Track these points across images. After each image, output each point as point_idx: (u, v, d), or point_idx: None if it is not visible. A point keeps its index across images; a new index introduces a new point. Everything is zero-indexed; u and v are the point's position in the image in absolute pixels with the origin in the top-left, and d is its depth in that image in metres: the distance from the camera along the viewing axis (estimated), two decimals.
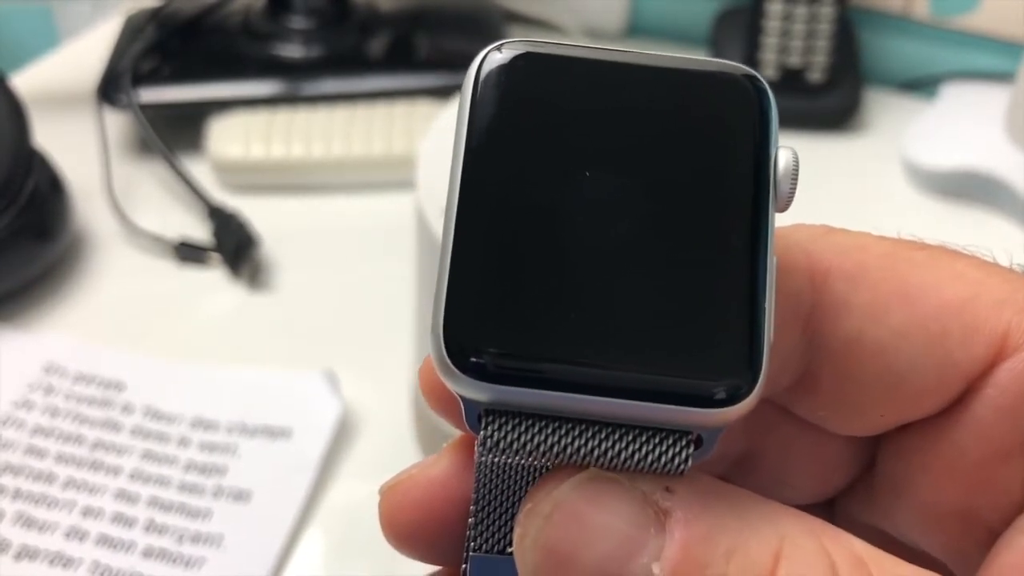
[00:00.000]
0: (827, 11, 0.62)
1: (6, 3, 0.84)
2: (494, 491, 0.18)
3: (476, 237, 0.17)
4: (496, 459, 0.17)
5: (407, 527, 0.20)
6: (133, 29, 0.65)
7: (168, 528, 0.40)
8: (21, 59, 0.71)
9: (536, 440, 0.17)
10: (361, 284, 0.53)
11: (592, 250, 0.17)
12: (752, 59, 0.64)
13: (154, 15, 0.66)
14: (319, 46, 0.64)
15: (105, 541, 0.39)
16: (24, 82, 0.63)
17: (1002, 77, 0.63)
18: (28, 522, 0.40)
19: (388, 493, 0.20)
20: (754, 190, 0.18)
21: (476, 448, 0.17)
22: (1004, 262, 0.20)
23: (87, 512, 0.40)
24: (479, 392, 0.17)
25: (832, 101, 0.65)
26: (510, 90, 0.18)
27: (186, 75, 0.63)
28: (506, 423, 0.17)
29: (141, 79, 0.61)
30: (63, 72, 0.69)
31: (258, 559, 0.39)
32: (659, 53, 0.18)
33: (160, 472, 0.42)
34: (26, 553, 0.39)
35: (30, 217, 0.50)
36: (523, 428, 0.17)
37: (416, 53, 0.65)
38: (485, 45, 0.18)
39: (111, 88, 0.61)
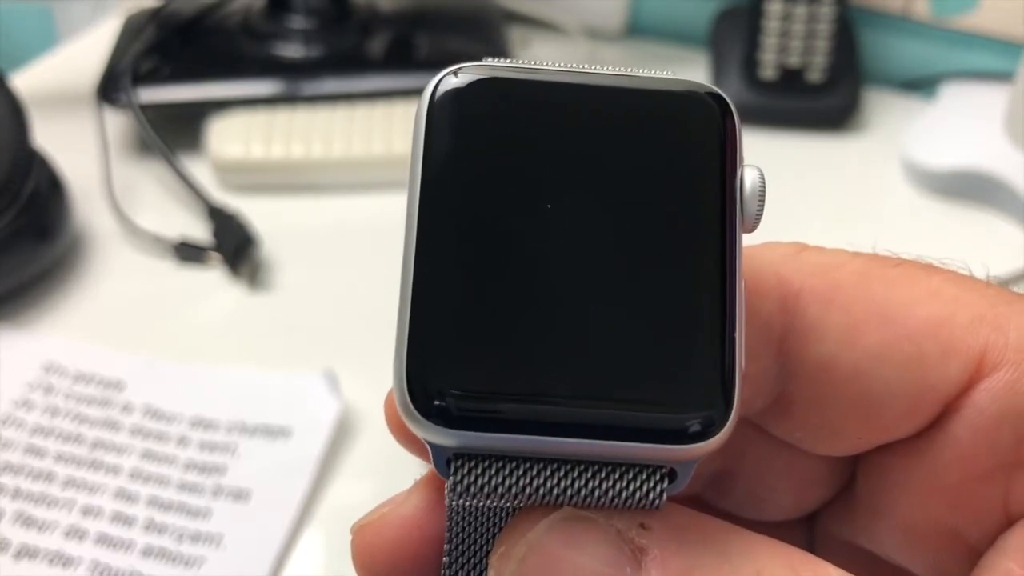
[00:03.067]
0: (827, 11, 0.62)
1: (6, 3, 0.84)
2: (467, 531, 0.18)
3: (436, 274, 0.16)
4: (467, 502, 0.17)
5: (380, 567, 0.19)
6: (133, 29, 0.65)
7: (167, 527, 0.40)
8: (21, 59, 0.71)
9: (507, 482, 0.16)
10: (361, 284, 0.53)
11: (556, 283, 0.16)
12: (752, 59, 0.64)
13: (154, 15, 0.66)
14: (319, 46, 0.64)
15: (104, 540, 0.39)
16: (24, 82, 0.63)
17: (1002, 77, 0.63)
18: (28, 521, 0.40)
19: (359, 533, 0.20)
20: (721, 212, 0.17)
21: (446, 492, 0.17)
22: (980, 275, 0.20)
23: (86, 511, 0.40)
24: (445, 438, 0.16)
25: (832, 101, 0.65)
26: (467, 116, 0.17)
27: (186, 75, 0.63)
28: (476, 467, 0.16)
29: (141, 79, 0.61)
30: (63, 72, 0.70)
31: (257, 559, 0.39)
32: (621, 72, 0.18)
33: (159, 471, 0.42)
34: (26, 552, 0.39)
35: (30, 217, 0.50)
36: (493, 471, 0.16)
37: (416, 53, 0.65)
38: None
39: (111, 88, 0.61)
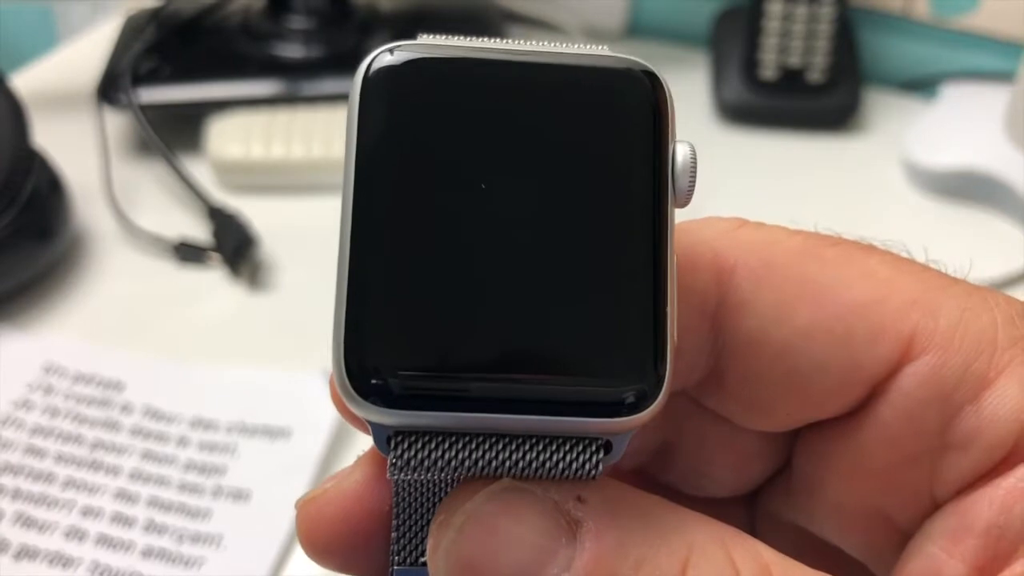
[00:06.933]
0: (827, 11, 0.62)
1: (6, 3, 0.84)
2: (413, 504, 0.18)
3: (372, 254, 0.17)
4: (408, 477, 0.17)
5: (325, 542, 0.20)
6: (133, 29, 0.65)
7: (168, 528, 0.40)
8: (21, 59, 0.71)
9: (447, 456, 0.17)
10: None
11: (491, 261, 0.17)
12: (752, 59, 0.64)
13: (154, 15, 0.66)
14: (319, 46, 0.64)
15: (104, 541, 0.39)
16: (24, 82, 0.63)
17: (1002, 77, 0.63)
18: (28, 522, 0.40)
19: (303, 508, 0.20)
20: (653, 187, 0.17)
21: (388, 468, 0.17)
22: (920, 257, 0.20)
23: (87, 512, 0.40)
24: (383, 417, 0.16)
25: (832, 101, 0.65)
26: (400, 95, 0.17)
27: (186, 75, 0.62)
28: (415, 442, 0.17)
29: (141, 79, 0.61)
30: (63, 72, 0.69)
31: (258, 559, 0.39)
32: (557, 49, 0.18)
33: (159, 472, 0.42)
34: (26, 553, 0.39)
35: (30, 217, 0.50)
36: (433, 445, 0.17)
37: None
38: None
39: (111, 88, 0.61)
